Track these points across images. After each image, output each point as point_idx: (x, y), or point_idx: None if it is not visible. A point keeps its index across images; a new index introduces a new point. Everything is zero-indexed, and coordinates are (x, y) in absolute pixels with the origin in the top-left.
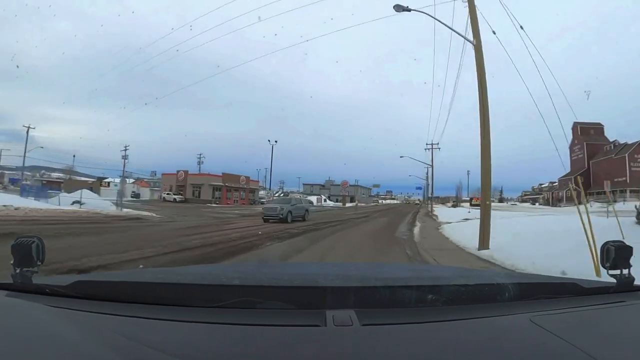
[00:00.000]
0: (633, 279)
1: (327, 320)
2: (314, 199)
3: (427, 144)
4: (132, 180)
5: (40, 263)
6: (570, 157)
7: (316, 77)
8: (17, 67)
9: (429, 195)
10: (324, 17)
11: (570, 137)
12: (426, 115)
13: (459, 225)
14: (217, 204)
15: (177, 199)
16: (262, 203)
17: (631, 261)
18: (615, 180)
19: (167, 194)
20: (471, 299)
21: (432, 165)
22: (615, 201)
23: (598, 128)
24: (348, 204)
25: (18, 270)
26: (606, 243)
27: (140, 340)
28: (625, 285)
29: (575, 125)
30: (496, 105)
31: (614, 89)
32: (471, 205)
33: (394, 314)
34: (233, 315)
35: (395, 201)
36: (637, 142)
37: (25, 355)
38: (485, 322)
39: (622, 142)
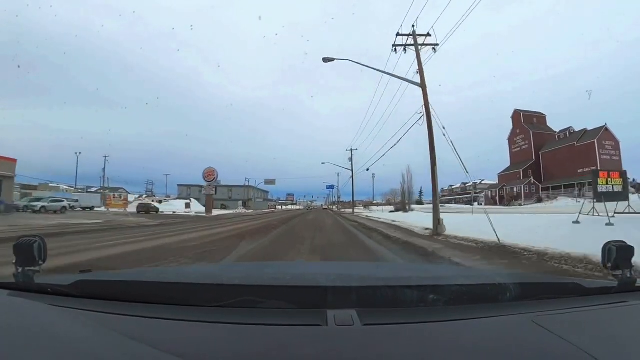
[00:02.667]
0: (635, 279)
1: (329, 320)
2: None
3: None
4: None
5: (42, 263)
6: (511, 149)
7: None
8: None
9: (364, 195)
10: None
11: (510, 127)
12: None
13: None
14: None
15: None
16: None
17: (633, 261)
18: (580, 170)
19: None
20: (473, 299)
21: (422, 85)
22: (583, 196)
23: (541, 117)
24: (227, 211)
25: (20, 270)
26: (608, 243)
27: (142, 340)
28: (627, 286)
29: (517, 113)
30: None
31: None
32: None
33: (396, 314)
34: (234, 315)
35: (297, 207)
36: (602, 126)
37: (27, 354)
38: (487, 322)
39: (576, 129)
